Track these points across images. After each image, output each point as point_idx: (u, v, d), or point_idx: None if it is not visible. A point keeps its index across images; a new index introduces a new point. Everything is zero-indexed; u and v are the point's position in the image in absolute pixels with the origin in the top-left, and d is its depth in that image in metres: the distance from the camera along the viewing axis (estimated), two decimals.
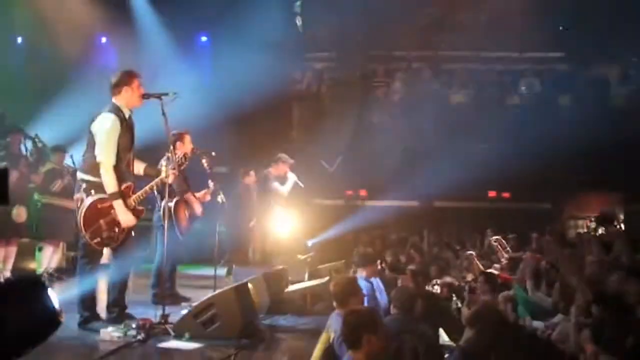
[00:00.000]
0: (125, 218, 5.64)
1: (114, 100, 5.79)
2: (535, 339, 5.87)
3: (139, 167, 6.13)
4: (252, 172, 10.96)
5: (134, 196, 5.83)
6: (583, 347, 5.24)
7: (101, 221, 5.60)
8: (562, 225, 13.60)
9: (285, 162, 10.00)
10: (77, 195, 5.71)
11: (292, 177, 9.94)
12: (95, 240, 5.61)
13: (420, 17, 15.33)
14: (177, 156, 6.32)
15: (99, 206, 5.60)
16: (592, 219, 11.66)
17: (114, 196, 5.58)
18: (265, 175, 9.98)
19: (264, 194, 10.01)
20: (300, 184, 9.97)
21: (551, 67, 15.94)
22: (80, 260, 5.93)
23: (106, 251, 6.17)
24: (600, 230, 11.49)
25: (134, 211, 5.81)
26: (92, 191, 5.60)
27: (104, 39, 13.87)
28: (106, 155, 5.57)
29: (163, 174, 6.01)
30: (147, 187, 6.00)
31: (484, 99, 15.20)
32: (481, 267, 8.83)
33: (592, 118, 13.00)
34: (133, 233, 5.97)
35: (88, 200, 5.57)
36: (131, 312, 6.05)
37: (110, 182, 5.57)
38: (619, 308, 5.05)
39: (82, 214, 5.56)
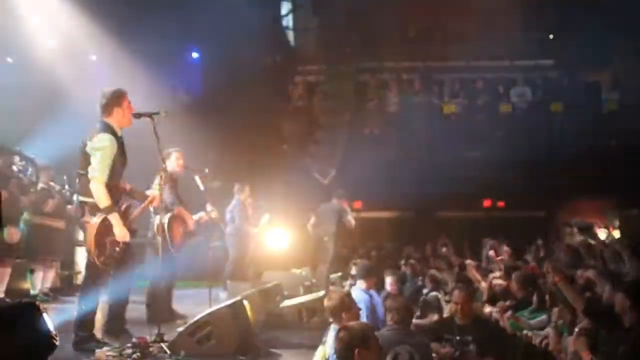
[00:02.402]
0: (121, 232, 5.59)
1: (105, 120, 5.74)
2: (532, 349, 5.84)
3: (125, 188, 6.10)
4: (246, 188, 10.92)
5: (131, 216, 5.82)
6: (580, 355, 5.22)
7: (107, 240, 5.58)
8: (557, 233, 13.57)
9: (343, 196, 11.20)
10: (84, 219, 5.68)
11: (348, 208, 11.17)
12: (101, 259, 5.57)
13: (410, 28, 15.42)
14: (166, 174, 6.28)
15: (104, 225, 5.57)
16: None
17: (107, 210, 5.53)
18: (342, 209, 10.96)
19: (337, 224, 10.90)
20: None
21: (542, 74, 16.00)
22: (85, 280, 5.91)
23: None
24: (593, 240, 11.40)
25: (130, 230, 5.79)
26: (97, 212, 5.58)
27: (94, 57, 13.79)
28: (100, 172, 5.52)
29: (155, 192, 6.02)
30: (140, 208, 6.00)
31: (475, 108, 15.24)
32: (478, 277, 8.78)
33: (585, 124, 13.05)
34: (133, 250, 5.95)
35: (95, 221, 5.54)
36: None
37: (102, 197, 5.52)
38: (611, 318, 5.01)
39: (93, 235, 5.51)
